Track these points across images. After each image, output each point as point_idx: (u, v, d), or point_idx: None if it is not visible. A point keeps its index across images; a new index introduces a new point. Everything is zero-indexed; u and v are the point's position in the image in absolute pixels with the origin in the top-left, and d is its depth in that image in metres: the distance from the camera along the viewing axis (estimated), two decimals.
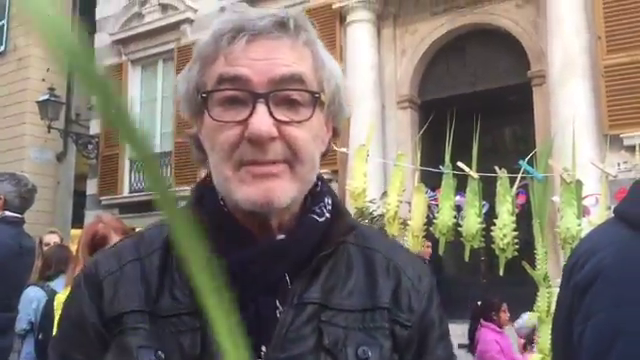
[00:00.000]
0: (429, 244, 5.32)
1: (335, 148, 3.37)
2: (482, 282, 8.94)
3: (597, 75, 7.81)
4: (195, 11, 11.77)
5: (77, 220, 12.40)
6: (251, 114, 0.84)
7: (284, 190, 0.86)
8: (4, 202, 3.43)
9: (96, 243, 2.68)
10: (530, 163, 2.91)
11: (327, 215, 0.95)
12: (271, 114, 0.84)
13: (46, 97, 12.13)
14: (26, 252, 3.60)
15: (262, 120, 0.83)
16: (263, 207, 0.85)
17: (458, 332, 8.52)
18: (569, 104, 7.53)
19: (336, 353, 0.87)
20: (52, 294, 4.25)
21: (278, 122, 0.85)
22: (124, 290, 0.90)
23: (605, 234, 1.16)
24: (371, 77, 9.43)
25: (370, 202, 3.35)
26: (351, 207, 3.34)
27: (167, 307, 0.88)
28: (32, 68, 13.82)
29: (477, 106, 7.57)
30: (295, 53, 0.88)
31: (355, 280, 0.94)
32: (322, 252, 0.91)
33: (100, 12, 13.31)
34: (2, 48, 14.69)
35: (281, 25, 0.88)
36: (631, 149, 7.42)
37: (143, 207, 10.62)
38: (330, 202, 0.97)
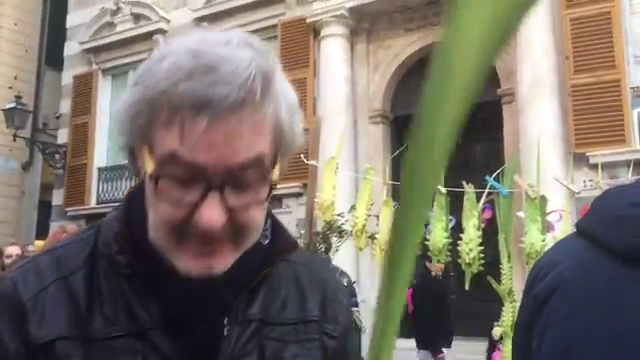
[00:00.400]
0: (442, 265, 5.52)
1: (305, 161, 3.36)
2: (451, 297, 8.98)
3: (564, 94, 7.98)
4: (168, 22, 11.73)
5: (42, 231, 12.14)
6: (201, 200, 0.77)
7: (226, 262, 0.82)
8: None
9: None
10: (498, 179, 2.93)
11: (269, 237, 0.94)
12: (224, 202, 0.78)
13: (13, 105, 11.92)
14: None
15: (214, 212, 0.77)
16: (201, 276, 0.80)
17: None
18: (537, 122, 7.67)
19: None
20: None
21: (229, 209, 0.78)
22: (52, 313, 0.82)
23: (565, 248, 1.17)
24: (344, 91, 9.48)
25: (339, 215, 3.34)
26: (319, 220, 3.33)
27: (100, 330, 0.82)
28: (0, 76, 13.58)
29: None
30: (256, 128, 0.78)
31: (286, 294, 0.95)
32: (264, 270, 0.91)
33: (71, 20, 13.16)
34: None
35: (247, 93, 0.75)
36: (596, 167, 7.57)
37: None
38: (270, 223, 0.96)
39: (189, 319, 0.85)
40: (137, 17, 12.12)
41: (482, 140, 9.83)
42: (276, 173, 0.86)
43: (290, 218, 9.66)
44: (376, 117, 9.72)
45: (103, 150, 12.28)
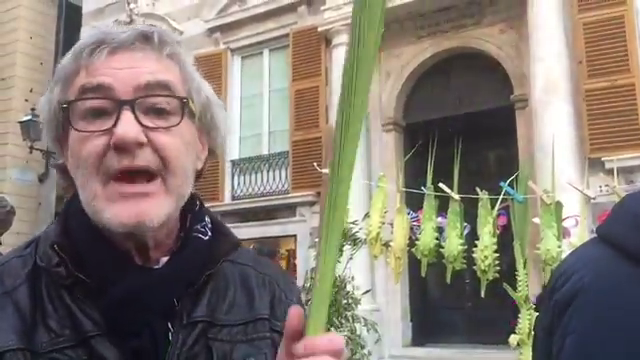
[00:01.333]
0: None
1: (319, 169, 3.36)
2: (467, 305, 8.92)
3: (578, 99, 7.92)
4: (181, 33, 11.77)
5: None
6: (116, 122, 0.81)
7: (157, 208, 0.83)
8: None
9: None
10: (512, 185, 2.92)
11: (209, 234, 0.94)
12: (138, 120, 0.82)
13: (29, 117, 12.05)
14: None
15: (128, 126, 0.80)
16: (135, 228, 0.82)
17: (445, 356, 8.50)
18: (551, 127, 7.61)
19: None
20: None
21: (145, 129, 0.82)
22: None
23: (586, 254, 1.17)
24: None
25: (353, 223, 3.34)
26: None
27: (45, 342, 0.81)
28: (15, 88, 13.75)
29: (461, 129, 7.65)
30: (161, 64, 0.86)
31: (233, 295, 0.95)
32: (207, 271, 0.91)
33: (85, 34, 13.30)
34: None
35: (144, 38, 0.86)
36: (612, 172, 7.50)
37: (248, 216, 10.12)
38: (209, 221, 0.97)
39: (132, 323, 0.84)
40: None
41: (495, 146, 9.79)
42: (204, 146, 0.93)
43: (304, 227, 9.67)
44: (389, 125, 9.70)
45: None
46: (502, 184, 2.82)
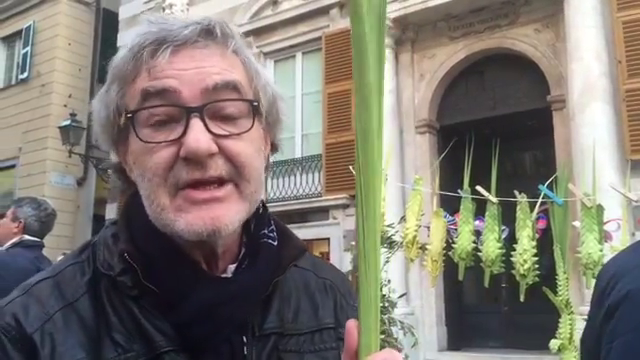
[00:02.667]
0: None
1: (354, 172, 3.36)
2: (504, 310, 8.81)
3: (618, 99, 7.74)
4: None
5: None
6: (185, 131, 0.75)
7: (231, 213, 0.77)
8: (23, 226, 3.46)
9: None
10: (550, 188, 2.86)
11: (277, 239, 0.89)
12: (207, 128, 0.76)
13: (68, 122, 12.33)
14: None
15: (199, 135, 0.74)
16: (210, 236, 0.76)
17: None
18: (590, 128, 7.46)
19: None
20: None
21: (216, 137, 0.76)
22: (63, 343, 0.75)
23: (632, 258, 1.17)
24: (389, 102, 9.45)
25: (389, 227, 3.33)
26: None
27: (112, 358, 0.75)
28: (55, 94, 14.10)
29: (496, 130, 7.55)
30: (226, 61, 0.80)
31: (297, 301, 0.90)
32: (276, 278, 0.86)
33: (122, 39, 13.52)
34: (26, 75, 15.01)
35: (207, 33, 0.80)
36: None
37: (283, 219, 10.18)
38: (274, 225, 0.91)
39: (210, 338, 0.78)
40: None
41: (531, 148, 9.64)
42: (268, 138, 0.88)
43: (337, 229, 9.66)
44: (422, 127, 9.64)
45: None
46: (541, 187, 2.77)
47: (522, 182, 6.70)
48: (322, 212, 9.92)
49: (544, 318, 7.87)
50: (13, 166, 14.74)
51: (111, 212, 12.83)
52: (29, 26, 15.14)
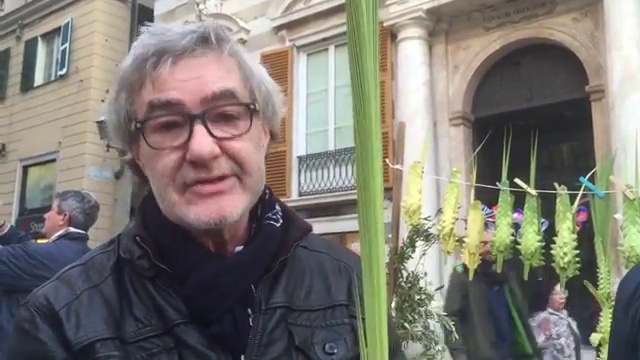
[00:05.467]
0: None
1: (390, 165, 3.37)
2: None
3: None
4: (248, 32, 12.00)
5: None
6: (190, 136, 0.84)
7: (235, 204, 0.86)
8: (69, 218, 3.55)
9: None
10: (591, 180, 2.82)
11: (281, 221, 0.97)
12: (210, 133, 0.84)
13: (105, 117, 12.54)
14: None
15: (202, 140, 0.83)
16: (217, 224, 0.85)
17: None
18: (630, 119, 7.30)
19: (307, 351, 0.90)
20: None
21: (218, 139, 0.85)
22: (87, 318, 0.86)
23: None
24: (423, 94, 9.39)
25: (425, 219, 3.32)
26: (406, 224, 3.33)
27: (133, 332, 0.86)
28: (92, 90, 14.39)
29: (533, 122, 7.44)
30: (222, 67, 0.88)
31: (310, 281, 0.98)
32: (281, 257, 0.94)
33: None
34: (65, 71, 15.35)
35: (203, 41, 0.88)
36: None
37: (314, 213, 9.91)
38: (279, 208, 0.99)
39: (213, 310, 0.87)
40: None
41: (569, 139, 9.46)
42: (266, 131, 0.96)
43: None
44: (457, 119, 9.56)
45: None
46: (582, 179, 2.73)
47: (560, 174, 6.60)
48: (355, 205, 9.85)
49: (580, 312, 7.76)
50: (54, 160, 15.11)
51: None
52: (67, 23, 15.46)
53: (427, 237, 3.33)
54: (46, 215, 3.69)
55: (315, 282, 0.98)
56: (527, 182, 2.81)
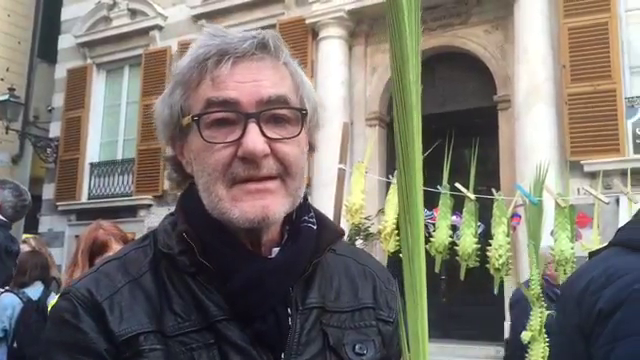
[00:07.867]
0: None
1: (339, 166, 3.42)
2: (442, 301, 9.07)
3: (561, 102, 8.11)
4: (165, 18, 11.68)
5: (31, 225, 11.97)
6: (243, 134, 0.87)
7: (278, 205, 0.89)
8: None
9: (95, 250, 2.68)
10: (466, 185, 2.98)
11: (316, 224, 1.00)
12: (262, 132, 0.88)
13: (5, 97, 11.77)
14: (13, 255, 3.54)
15: (255, 139, 0.87)
16: (260, 223, 0.88)
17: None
18: (533, 129, 7.79)
19: (339, 352, 0.93)
20: (27, 301, 4.15)
21: (269, 140, 0.88)
22: (130, 311, 0.87)
23: (622, 261, 1.22)
24: (341, 93, 9.53)
25: (366, 219, 3.40)
26: (347, 223, 3.39)
27: (172, 326, 0.87)
28: None
29: (445, 126, 7.75)
30: (277, 74, 0.92)
31: (338, 283, 1.01)
32: (315, 259, 0.96)
33: (66, 14, 13.02)
34: None
35: (262, 46, 0.92)
36: (590, 175, 7.72)
37: (102, 214, 10.24)
38: (314, 212, 1.03)
39: (257, 308, 0.89)
40: (133, 12, 12.05)
41: (478, 145, 9.91)
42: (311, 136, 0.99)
43: (141, 226, 10.44)
44: (373, 120, 9.78)
45: (96, 145, 12.16)
46: (518, 186, 2.92)
47: (466, 178, 6.92)
48: (131, 210, 11.21)
49: (480, 310, 8.20)
50: None
51: (48, 192, 12.36)
52: None
53: (366, 236, 3.41)
54: None
55: (343, 284, 1.01)
56: (467, 186, 2.95)
